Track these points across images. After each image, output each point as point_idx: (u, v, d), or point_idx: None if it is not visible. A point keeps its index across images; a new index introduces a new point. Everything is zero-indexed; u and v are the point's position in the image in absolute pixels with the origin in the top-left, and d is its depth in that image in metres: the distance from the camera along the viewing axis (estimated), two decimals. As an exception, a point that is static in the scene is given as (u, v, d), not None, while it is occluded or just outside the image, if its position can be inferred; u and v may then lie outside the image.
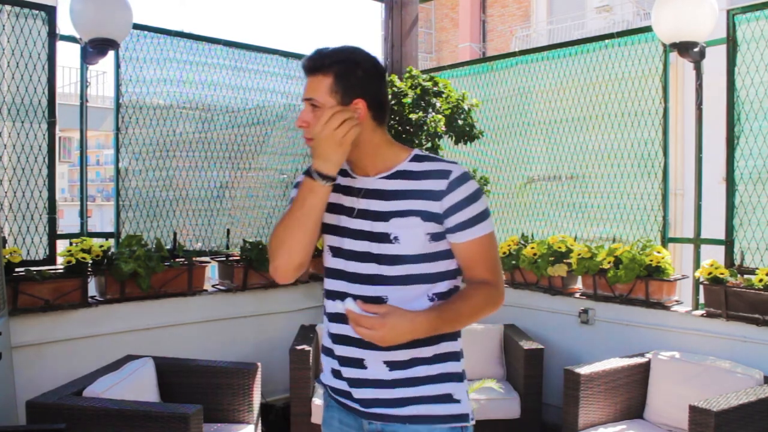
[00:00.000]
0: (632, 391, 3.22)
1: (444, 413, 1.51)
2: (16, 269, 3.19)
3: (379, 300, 1.50)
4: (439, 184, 1.49)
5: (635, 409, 3.23)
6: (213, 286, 4.04)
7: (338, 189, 1.59)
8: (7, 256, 3.11)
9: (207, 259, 4.01)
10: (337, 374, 1.58)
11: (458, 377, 1.55)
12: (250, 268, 3.97)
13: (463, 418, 1.53)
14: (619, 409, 3.17)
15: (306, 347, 3.40)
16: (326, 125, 1.46)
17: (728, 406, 2.57)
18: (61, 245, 3.47)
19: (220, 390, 3.07)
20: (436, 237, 1.51)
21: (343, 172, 1.61)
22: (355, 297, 1.51)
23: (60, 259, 3.43)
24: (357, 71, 1.49)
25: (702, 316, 3.39)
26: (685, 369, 3.14)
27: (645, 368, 3.27)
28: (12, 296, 3.09)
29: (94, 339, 3.40)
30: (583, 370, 3.07)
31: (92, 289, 3.48)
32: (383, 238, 1.51)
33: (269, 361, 3.86)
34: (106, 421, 2.43)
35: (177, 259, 3.79)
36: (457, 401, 1.52)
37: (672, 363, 3.21)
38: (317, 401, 3.34)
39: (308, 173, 1.53)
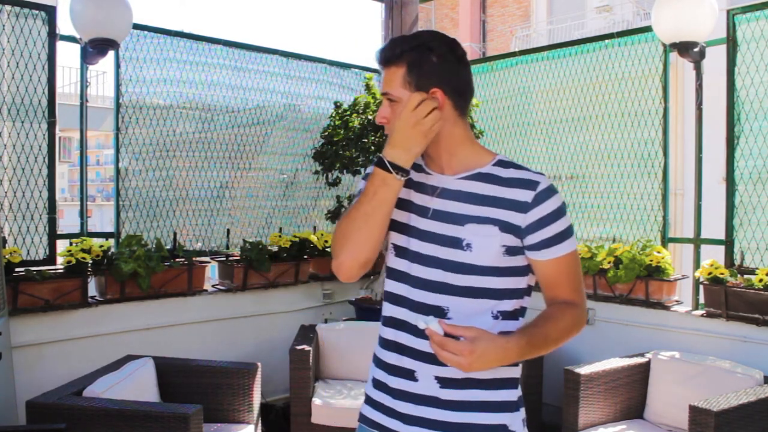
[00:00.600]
0: (632, 391, 3.22)
1: None
2: (16, 269, 3.18)
3: (438, 310, 1.39)
4: (526, 195, 1.37)
5: (635, 409, 3.23)
6: (213, 286, 4.04)
7: (409, 184, 1.46)
8: (7, 256, 3.11)
9: (207, 259, 4.01)
10: (381, 386, 1.47)
11: (515, 406, 1.44)
12: (250, 268, 3.97)
13: None
14: (619, 409, 3.17)
15: (306, 347, 3.40)
16: (414, 112, 1.34)
17: (728, 406, 2.57)
18: (61, 245, 3.47)
19: (220, 390, 3.07)
20: (511, 251, 1.39)
21: (417, 167, 1.48)
22: (415, 303, 1.42)
23: (60, 259, 3.43)
24: (431, 57, 1.38)
25: (702, 316, 3.39)
26: (685, 369, 3.14)
27: (645, 368, 3.26)
28: (12, 296, 3.09)
29: (94, 339, 3.40)
30: (583, 370, 3.07)
31: (92, 289, 3.48)
32: (454, 243, 1.39)
33: (269, 361, 3.86)
34: (106, 421, 2.43)
35: (177, 259, 3.79)
36: None
37: (672, 363, 3.21)
38: (317, 401, 3.35)
39: (381, 164, 1.36)
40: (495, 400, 1.40)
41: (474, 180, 1.42)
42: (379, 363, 1.49)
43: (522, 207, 1.37)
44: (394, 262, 1.48)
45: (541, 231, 1.38)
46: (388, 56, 1.40)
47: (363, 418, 1.53)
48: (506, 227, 1.37)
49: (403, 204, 1.46)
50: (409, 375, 1.41)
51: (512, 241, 1.39)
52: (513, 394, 1.44)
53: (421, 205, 1.45)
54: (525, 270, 1.43)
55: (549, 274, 1.42)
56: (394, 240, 1.48)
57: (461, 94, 1.42)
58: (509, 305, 1.42)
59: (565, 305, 1.42)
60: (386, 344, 1.47)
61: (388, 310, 1.48)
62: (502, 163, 1.43)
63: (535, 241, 1.38)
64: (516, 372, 1.45)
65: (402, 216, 1.46)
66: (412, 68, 1.38)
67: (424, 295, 1.42)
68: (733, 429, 2.56)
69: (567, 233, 1.40)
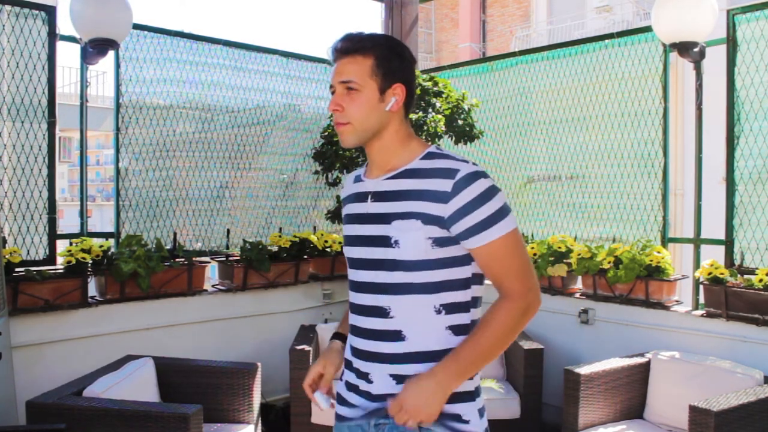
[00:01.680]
0: (632, 391, 3.22)
1: None
2: (16, 269, 3.19)
3: (380, 311, 1.44)
4: (444, 185, 1.38)
5: (635, 409, 3.23)
6: (213, 286, 4.04)
7: (352, 199, 1.56)
8: (7, 256, 3.11)
9: (207, 259, 4.01)
10: (351, 387, 1.53)
11: (469, 396, 1.44)
12: (250, 268, 3.97)
13: None
14: (619, 409, 3.17)
15: (306, 347, 3.40)
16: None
17: (728, 406, 2.57)
18: (61, 245, 3.47)
19: (220, 390, 3.07)
20: (440, 242, 1.39)
21: (356, 178, 1.59)
22: (359, 306, 1.50)
23: (60, 259, 3.43)
24: (396, 55, 1.46)
25: (702, 316, 3.39)
26: (685, 369, 3.14)
27: (645, 368, 3.26)
28: (12, 296, 3.09)
29: (94, 339, 3.40)
30: (583, 370, 3.07)
31: (92, 289, 3.48)
32: (385, 241, 1.43)
33: (269, 361, 3.86)
34: (106, 421, 2.43)
35: (177, 259, 3.79)
36: (466, 422, 1.42)
37: (672, 363, 3.21)
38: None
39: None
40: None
41: (399, 178, 1.45)
42: (347, 365, 1.57)
43: (441, 197, 1.38)
44: (349, 273, 1.56)
45: (465, 219, 1.37)
46: (356, 46, 1.44)
47: (339, 417, 1.58)
48: (428, 219, 1.38)
49: (349, 218, 1.56)
50: (364, 377, 1.48)
51: (438, 232, 1.39)
52: (470, 384, 1.44)
53: (360, 213, 1.52)
54: (464, 259, 1.42)
55: (483, 262, 1.41)
56: (345, 252, 1.58)
57: (413, 95, 1.50)
58: (452, 297, 1.42)
59: (500, 302, 1.41)
60: (350, 349, 1.55)
61: (351, 318, 1.56)
62: (430, 155, 1.46)
63: (461, 229, 1.38)
64: None
65: (348, 229, 1.56)
66: (382, 62, 1.43)
67: (365, 297, 1.49)
68: (733, 429, 2.56)
69: (495, 217, 1.37)
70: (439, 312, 1.42)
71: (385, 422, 1.44)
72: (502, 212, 1.39)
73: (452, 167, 1.39)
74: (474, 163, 1.42)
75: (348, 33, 1.47)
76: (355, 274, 1.52)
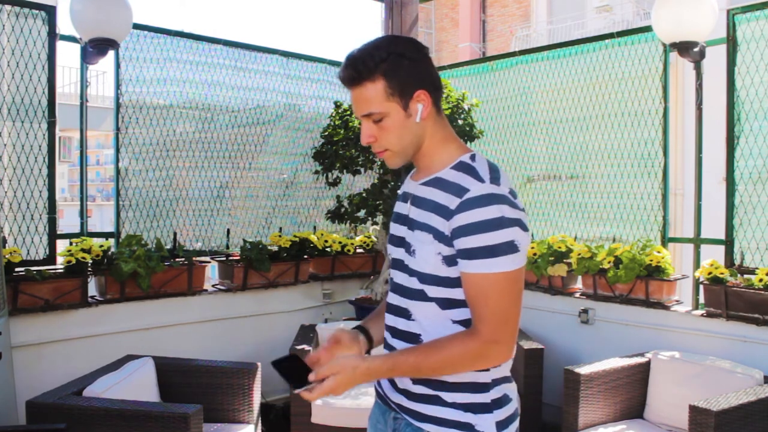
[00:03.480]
0: (632, 391, 3.22)
1: None
2: (16, 269, 3.19)
3: (405, 312, 1.44)
4: (452, 201, 1.31)
5: (635, 409, 3.23)
6: (213, 286, 4.04)
7: (400, 198, 1.54)
8: (7, 256, 3.11)
9: (207, 259, 4.01)
10: None
11: (486, 408, 1.38)
12: (250, 268, 3.97)
13: None
14: (619, 409, 3.17)
15: (306, 347, 3.40)
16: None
17: (728, 406, 2.57)
18: (61, 245, 3.47)
19: (220, 390, 3.07)
20: (448, 260, 1.34)
21: (409, 177, 1.56)
22: (390, 306, 1.49)
23: (60, 259, 3.43)
24: (404, 61, 1.35)
25: (702, 316, 3.39)
26: (685, 369, 3.14)
27: (645, 368, 3.26)
28: (12, 296, 3.09)
29: (94, 339, 3.40)
30: (583, 370, 3.07)
31: (92, 289, 3.48)
32: (408, 248, 1.42)
33: (269, 361, 3.85)
34: (106, 421, 2.43)
35: (177, 259, 3.79)
36: None
37: (672, 363, 3.21)
38: (317, 401, 3.34)
39: None
40: (463, 401, 1.39)
41: (429, 185, 1.41)
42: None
43: (446, 213, 1.32)
44: (390, 271, 1.55)
45: (459, 240, 1.30)
46: (360, 73, 1.35)
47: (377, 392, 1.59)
48: (437, 235, 1.34)
49: (394, 217, 1.54)
50: None
51: (446, 250, 1.33)
52: (484, 397, 1.39)
53: (399, 213, 1.51)
54: None
55: (464, 289, 1.33)
56: (388, 250, 1.55)
57: (438, 90, 1.42)
58: (464, 314, 1.37)
59: (464, 334, 1.34)
60: (385, 343, 1.54)
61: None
62: (459, 166, 1.38)
63: (456, 248, 1.31)
64: (485, 377, 1.39)
65: (392, 228, 1.54)
66: (391, 77, 1.34)
67: (394, 297, 1.48)
68: (733, 429, 2.56)
69: (493, 250, 1.27)
70: (455, 323, 1.39)
71: (401, 417, 1.45)
72: (500, 249, 1.27)
73: (465, 185, 1.32)
74: (496, 183, 1.32)
75: (348, 56, 1.38)
76: (391, 272, 1.52)
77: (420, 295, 1.40)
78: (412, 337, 1.43)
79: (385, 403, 1.51)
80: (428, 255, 1.35)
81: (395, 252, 1.49)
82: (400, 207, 1.51)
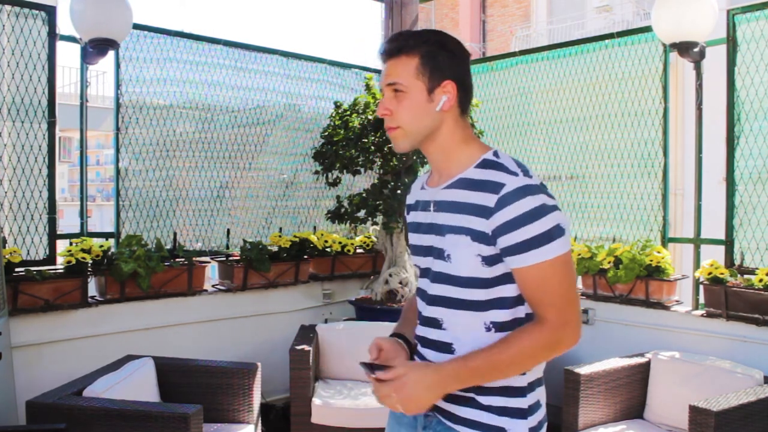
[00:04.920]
0: (632, 391, 3.22)
1: None
2: (16, 269, 3.18)
3: (435, 322, 1.42)
4: (489, 200, 1.30)
5: (635, 409, 3.23)
6: (213, 286, 4.04)
7: (416, 207, 1.52)
8: (7, 256, 3.11)
9: (207, 259, 4.01)
10: None
11: (520, 413, 1.37)
12: (250, 268, 3.97)
13: None
14: (619, 409, 3.17)
15: (306, 347, 3.40)
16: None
17: (728, 406, 2.57)
18: (61, 245, 3.47)
19: (220, 390, 3.07)
20: (488, 260, 1.33)
21: (422, 186, 1.53)
22: (421, 317, 1.46)
23: (60, 259, 3.43)
24: (443, 51, 1.38)
25: (702, 316, 3.39)
26: (685, 369, 3.14)
27: (645, 368, 3.26)
28: (12, 296, 3.09)
29: (94, 339, 3.40)
30: (583, 370, 3.07)
31: (92, 289, 3.48)
32: (440, 254, 1.39)
33: (269, 361, 3.86)
34: (106, 421, 2.43)
35: (177, 259, 3.79)
36: None
37: (672, 363, 3.21)
38: (317, 401, 3.34)
39: None
40: (496, 405, 1.37)
41: (455, 188, 1.40)
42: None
43: (485, 212, 1.31)
44: (417, 281, 1.53)
45: (507, 236, 1.29)
46: (401, 46, 1.38)
47: None
48: (476, 236, 1.32)
49: (413, 226, 1.52)
50: None
51: (486, 250, 1.32)
52: (520, 402, 1.38)
53: (421, 222, 1.48)
54: (511, 277, 1.36)
55: (521, 284, 1.33)
56: (413, 261, 1.54)
57: (467, 91, 1.43)
58: (501, 315, 1.36)
59: (531, 326, 1.33)
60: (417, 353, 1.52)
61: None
62: (484, 163, 1.38)
63: (501, 246, 1.31)
64: (520, 381, 1.38)
65: (413, 238, 1.51)
66: (427, 60, 1.37)
67: (425, 308, 1.45)
68: (733, 429, 2.56)
69: (542, 239, 1.28)
70: (488, 329, 1.37)
71: (432, 415, 1.43)
72: (550, 234, 1.29)
73: (499, 180, 1.31)
74: (528, 175, 1.33)
75: (399, 32, 1.43)
76: (419, 282, 1.49)
77: (455, 303, 1.38)
78: (444, 347, 1.41)
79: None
80: (466, 258, 1.34)
81: (422, 262, 1.47)
82: (418, 216, 1.50)
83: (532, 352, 1.32)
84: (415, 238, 1.50)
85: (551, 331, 1.31)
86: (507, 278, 1.35)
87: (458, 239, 1.35)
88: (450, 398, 1.39)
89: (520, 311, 1.38)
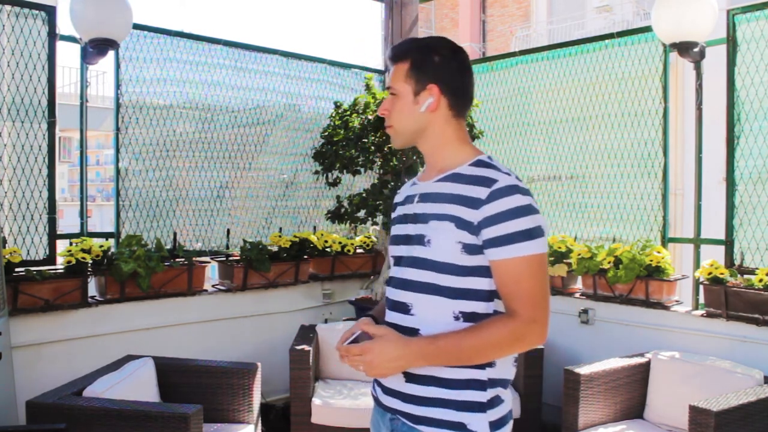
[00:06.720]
0: (632, 391, 3.22)
1: None
2: (16, 269, 3.18)
3: (403, 306, 1.48)
4: (480, 192, 1.38)
5: (635, 409, 3.23)
6: (213, 286, 4.04)
7: (404, 200, 1.60)
8: (7, 256, 3.11)
9: (207, 259, 4.01)
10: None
11: (480, 407, 1.40)
12: (250, 268, 3.97)
13: None
14: (619, 409, 3.17)
15: (306, 347, 3.40)
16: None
17: (728, 406, 2.57)
18: (61, 245, 3.47)
19: (220, 390, 3.07)
20: (469, 249, 1.39)
21: (413, 182, 1.62)
22: (389, 301, 1.53)
23: (60, 259, 3.43)
24: (433, 57, 1.48)
25: (702, 316, 3.39)
26: (685, 369, 3.14)
27: (645, 368, 3.27)
28: (12, 296, 3.09)
29: (94, 339, 3.40)
30: (583, 370, 3.07)
31: (92, 289, 3.48)
32: (419, 240, 1.46)
33: (269, 361, 3.86)
34: (106, 421, 2.43)
35: (177, 259, 3.79)
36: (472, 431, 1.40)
37: (672, 363, 3.21)
38: (317, 401, 3.35)
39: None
40: (456, 399, 1.40)
41: (446, 181, 1.48)
42: None
43: (475, 203, 1.38)
44: (390, 271, 1.60)
45: (492, 228, 1.36)
46: (396, 53, 1.52)
47: (374, 398, 1.61)
48: (461, 224, 1.39)
49: (398, 219, 1.60)
50: None
51: (468, 238, 1.39)
52: (480, 396, 1.41)
53: (406, 213, 1.56)
54: (489, 270, 1.41)
55: (497, 276, 1.39)
56: (390, 252, 1.60)
57: (457, 95, 1.51)
58: (472, 306, 1.41)
59: (501, 317, 1.39)
60: None
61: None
62: (479, 163, 1.47)
63: (486, 237, 1.37)
64: (481, 374, 1.41)
65: (395, 230, 1.60)
66: (415, 65, 1.48)
67: (395, 292, 1.52)
68: (733, 429, 2.57)
69: (523, 235, 1.35)
70: (457, 318, 1.41)
71: (397, 418, 1.47)
72: (531, 233, 1.36)
73: (492, 177, 1.40)
74: (518, 178, 1.42)
75: (402, 40, 1.57)
76: (392, 270, 1.56)
77: (428, 288, 1.43)
78: (410, 332, 1.45)
79: (381, 405, 1.54)
80: (446, 243, 1.40)
81: (398, 250, 1.54)
82: (403, 209, 1.58)
83: (497, 341, 1.37)
84: (397, 229, 1.58)
85: (519, 325, 1.36)
86: (483, 271, 1.41)
87: (441, 225, 1.42)
88: (408, 398, 1.44)
89: (491, 306, 1.42)
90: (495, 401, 1.44)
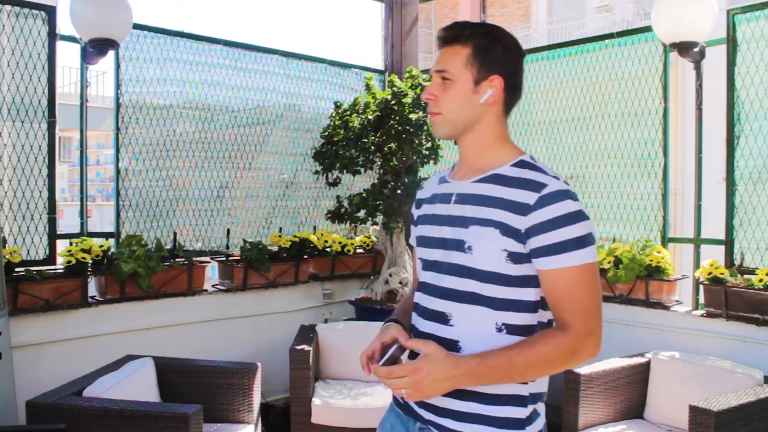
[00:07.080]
0: (632, 391, 3.21)
1: None
2: (16, 269, 3.18)
3: (441, 316, 1.37)
4: (528, 197, 1.29)
5: (635, 409, 3.23)
6: (213, 286, 4.04)
7: (434, 200, 1.48)
8: (7, 256, 3.11)
9: (207, 259, 4.01)
10: None
11: (520, 424, 1.33)
12: (250, 268, 3.97)
13: None
14: (619, 409, 3.17)
15: (306, 347, 3.40)
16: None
17: (728, 406, 2.57)
18: (61, 245, 3.47)
19: (220, 390, 3.07)
20: (515, 257, 1.30)
21: (441, 179, 1.52)
22: (423, 309, 1.42)
23: (60, 259, 3.43)
24: (498, 46, 1.38)
25: (702, 316, 3.39)
26: (685, 369, 3.14)
27: (645, 368, 3.26)
28: (12, 296, 3.09)
29: (94, 339, 3.40)
30: (583, 370, 3.07)
31: (92, 289, 3.48)
32: (459, 246, 1.35)
33: (269, 361, 3.86)
34: (106, 421, 2.43)
35: (177, 259, 3.79)
36: None
37: (672, 363, 3.21)
38: (317, 401, 3.34)
39: None
40: (496, 415, 1.33)
41: (486, 182, 1.38)
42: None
43: (523, 209, 1.29)
44: (420, 275, 1.48)
45: (541, 236, 1.27)
46: (456, 35, 1.39)
47: (395, 400, 1.52)
48: (507, 231, 1.30)
49: (428, 219, 1.48)
50: None
51: (514, 246, 1.30)
52: (520, 412, 1.34)
53: (439, 213, 1.45)
54: (538, 280, 1.33)
55: (548, 287, 1.31)
56: (419, 254, 1.49)
57: (515, 90, 1.42)
58: (516, 318, 1.32)
59: (554, 331, 1.31)
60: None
61: (412, 318, 1.49)
62: (522, 164, 1.37)
63: (534, 246, 1.29)
64: (523, 390, 1.35)
65: (425, 230, 1.48)
66: (479, 51, 1.37)
67: (431, 300, 1.41)
68: (733, 429, 2.56)
69: (574, 243, 1.27)
70: (500, 330, 1.33)
71: (428, 429, 1.39)
72: (583, 241, 1.28)
73: (541, 181, 1.31)
74: (566, 182, 1.33)
75: (458, 21, 1.43)
76: (424, 276, 1.45)
77: (469, 297, 1.34)
78: (449, 344, 1.35)
79: (409, 413, 1.44)
80: (490, 251, 1.31)
81: (431, 254, 1.44)
82: (433, 208, 1.47)
83: (553, 356, 1.29)
84: (427, 230, 1.47)
85: (574, 339, 1.30)
86: (530, 280, 1.33)
87: (484, 231, 1.32)
88: (448, 413, 1.36)
89: (536, 318, 1.35)
90: (533, 416, 1.37)
